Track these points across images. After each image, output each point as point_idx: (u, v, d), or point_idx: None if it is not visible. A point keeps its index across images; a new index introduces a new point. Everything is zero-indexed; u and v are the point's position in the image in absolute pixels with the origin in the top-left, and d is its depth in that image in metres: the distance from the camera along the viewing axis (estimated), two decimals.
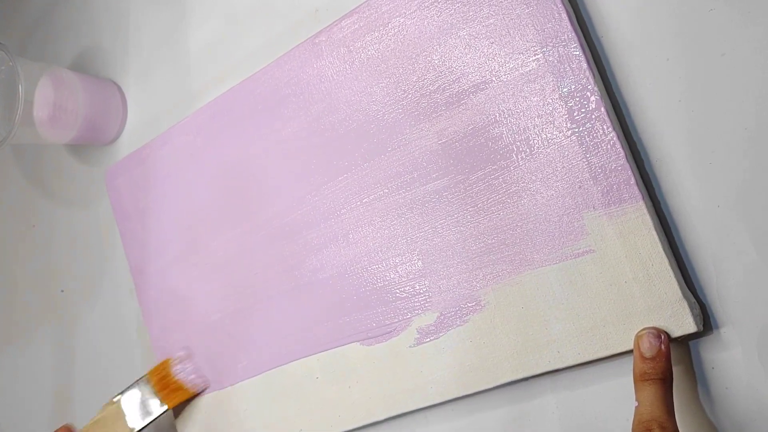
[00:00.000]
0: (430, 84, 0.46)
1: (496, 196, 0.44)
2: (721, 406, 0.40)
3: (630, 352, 0.41)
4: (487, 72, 0.44)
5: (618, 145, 0.40)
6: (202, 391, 0.56)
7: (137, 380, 0.54)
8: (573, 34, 0.42)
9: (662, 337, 0.39)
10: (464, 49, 0.45)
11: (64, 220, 0.70)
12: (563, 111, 0.42)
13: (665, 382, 0.38)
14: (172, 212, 0.59)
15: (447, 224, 0.46)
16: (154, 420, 0.53)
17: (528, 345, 0.43)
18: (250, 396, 0.54)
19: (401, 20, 0.47)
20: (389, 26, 0.48)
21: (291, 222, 0.52)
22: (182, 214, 0.58)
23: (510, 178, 0.44)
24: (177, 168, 0.58)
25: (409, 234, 0.47)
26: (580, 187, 0.42)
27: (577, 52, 0.41)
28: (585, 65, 0.41)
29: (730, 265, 0.40)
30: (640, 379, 0.38)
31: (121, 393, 0.54)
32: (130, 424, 0.53)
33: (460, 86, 0.45)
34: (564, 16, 0.42)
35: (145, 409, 0.53)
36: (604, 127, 0.41)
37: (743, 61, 0.39)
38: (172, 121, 0.62)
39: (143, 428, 0.53)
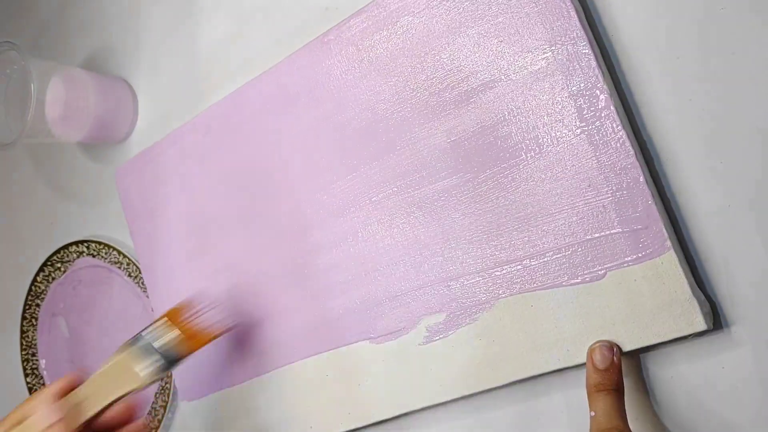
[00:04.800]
0: (439, 82, 0.46)
1: (504, 194, 0.44)
2: (731, 403, 0.40)
3: (640, 350, 0.41)
4: (496, 70, 0.44)
5: (627, 143, 0.40)
6: (222, 333, 0.52)
7: (152, 324, 0.49)
8: (582, 32, 0.41)
9: (614, 349, 0.40)
10: (473, 47, 0.45)
11: (78, 217, 0.70)
12: (572, 109, 0.42)
13: (619, 392, 0.40)
14: (181, 211, 0.59)
15: (456, 222, 0.46)
16: (171, 368, 0.49)
17: (537, 343, 0.43)
18: (260, 394, 0.54)
19: (410, 19, 0.47)
20: (398, 25, 0.48)
21: (300, 221, 0.52)
22: (191, 213, 0.58)
23: (519, 176, 0.44)
24: (186, 167, 0.59)
25: (417, 232, 0.47)
26: (589, 185, 0.41)
27: (587, 50, 0.41)
28: (594, 63, 0.41)
29: (741, 264, 0.40)
30: (594, 390, 0.40)
31: (134, 338, 0.49)
32: (142, 374, 0.47)
33: (469, 84, 0.45)
34: (573, 14, 0.42)
35: (158, 358, 0.48)
36: (614, 125, 0.41)
37: (754, 60, 0.39)
38: (183, 119, 0.62)
39: (158, 378, 0.48)
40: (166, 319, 0.49)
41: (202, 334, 0.50)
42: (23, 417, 0.45)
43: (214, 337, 0.51)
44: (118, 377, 0.47)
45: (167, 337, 0.48)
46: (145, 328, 0.49)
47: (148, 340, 0.48)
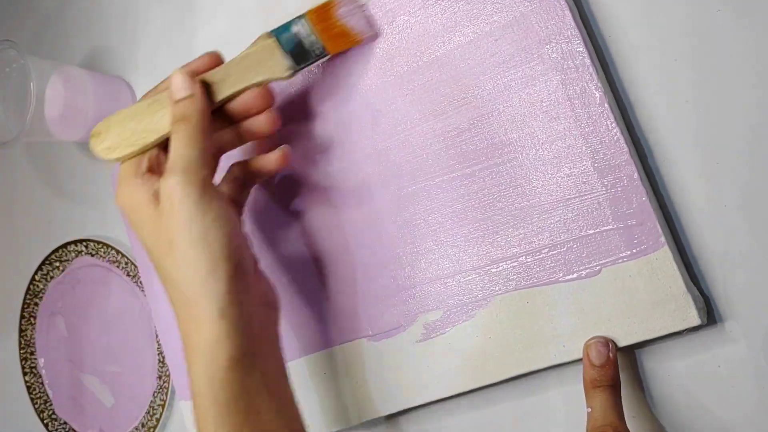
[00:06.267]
0: (435, 81, 0.47)
1: (500, 191, 0.44)
2: (726, 398, 0.40)
3: (635, 346, 0.42)
4: (491, 69, 0.45)
5: (621, 140, 0.41)
6: (368, 39, 0.49)
7: (295, 18, 0.47)
8: (576, 30, 0.42)
9: (610, 345, 0.40)
10: (468, 46, 0.45)
11: (77, 217, 0.71)
12: (567, 107, 0.42)
13: (615, 388, 0.40)
14: None
15: (452, 219, 0.46)
16: (311, 63, 0.47)
17: (534, 339, 0.43)
18: None
19: (405, 18, 0.47)
20: (394, 24, 0.48)
21: (296, 222, 0.53)
22: None
23: (514, 174, 0.44)
24: None
25: (412, 230, 0.47)
26: (584, 182, 0.42)
27: (581, 49, 0.42)
28: (588, 61, 0.41)
29: (735, 260, 0.40)
30: (591, 386, 0.40)
31: (277, 29, 0.46)
32: (287, 63, 0.46)
33: (464, 83, 0.46)
34: (567, 12, 0.42)
35: (303, 50, 0.46)
36: (608, 122, 0.41)
37: (750, 62, 0.39)
38: None
39: (300, 70, 0.46)
40: (314, 14, 0.47)
41: (350, 36, 0.47)
42: (164, 88, 0.46)
43: (359, 42, 0.48)
44: (259, 63, 0.45)
45: (314, 31, 0.46)
46: (291, 20, 0.47)
47: (294, 32, 0.46)
